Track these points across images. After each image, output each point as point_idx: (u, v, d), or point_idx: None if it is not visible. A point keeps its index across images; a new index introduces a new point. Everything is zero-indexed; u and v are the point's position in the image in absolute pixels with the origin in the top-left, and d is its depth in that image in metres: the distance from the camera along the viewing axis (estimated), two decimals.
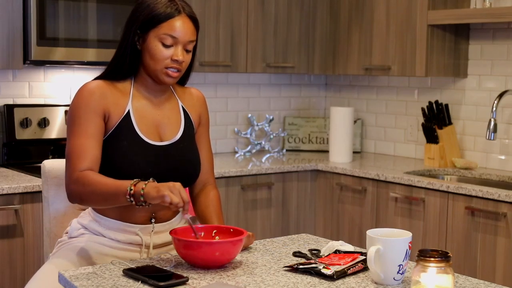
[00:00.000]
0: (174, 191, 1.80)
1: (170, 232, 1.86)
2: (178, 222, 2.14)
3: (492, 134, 3.48)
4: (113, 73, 2.09)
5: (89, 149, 1.98)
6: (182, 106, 2.18)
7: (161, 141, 2.09)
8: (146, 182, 1.85)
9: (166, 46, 2.02)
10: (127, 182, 1.87)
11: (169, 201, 1.79)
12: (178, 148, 2.10)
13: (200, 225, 2.01)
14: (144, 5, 2.04)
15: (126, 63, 2.07)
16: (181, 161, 2.10)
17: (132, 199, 1.85)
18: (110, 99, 2.04)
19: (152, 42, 2.02)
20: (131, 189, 1.84)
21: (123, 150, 2.02)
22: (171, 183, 1.82)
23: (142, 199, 1.83)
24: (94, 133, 2.00)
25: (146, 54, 2.04)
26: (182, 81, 2.23)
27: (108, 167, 2.01)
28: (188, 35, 2.04)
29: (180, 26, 2.02)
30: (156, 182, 1.87)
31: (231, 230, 1.93)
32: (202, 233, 1.95)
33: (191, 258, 1.81)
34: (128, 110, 2.06)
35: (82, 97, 2.03)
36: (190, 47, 2.06)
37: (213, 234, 1.95)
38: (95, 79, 2.11)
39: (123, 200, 1.86)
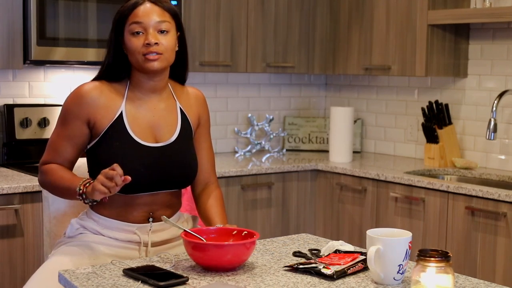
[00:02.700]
0: (103, 181, 1.85)
1: (181, 234, 1.86)
2: (176, 221, 2.14)
3: (492, 134, 3.47)
4: (107, 77, 2.10)
5: (61, 151, 2.07)
6: (180, 107, 2.17)
7: (156, 142, 2.09)
8: (92, 181, 1.92)
9: (136, 35, 2.03)
10: (79, 180, 1.96)
11: (104, 191, 1.84)
12: (173, 150, 2.09)
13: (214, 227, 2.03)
14: (116, 14, 2.11)
15: (117, 69, 2.09)
16: (176, 162, 2.09)
17: (81, 198, 1.94)
18: (101, 102, 2.05)
19: (126, 39, 2.06)
20: (80, 189, 1.94)
21: (114, 151, 2.03)
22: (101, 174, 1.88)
23: (84, 196, 1.93)
24: (72, 137, 2.06)
25: (128, 52, 2.07)
26: (182, 78, 2.22)
27: (100, 168, 2.01)
28: (153, 16, 2.04)
29: (143, 10, 2.05)
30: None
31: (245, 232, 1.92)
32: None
33: (202, 261, 1.80)
34: (121, 112, 2.06)
35: (70, 101, 2.08)
36: (164, 26, 2.05)
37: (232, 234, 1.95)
38: (94, 79, 2.12)
39: (75, 198, 1.96)
